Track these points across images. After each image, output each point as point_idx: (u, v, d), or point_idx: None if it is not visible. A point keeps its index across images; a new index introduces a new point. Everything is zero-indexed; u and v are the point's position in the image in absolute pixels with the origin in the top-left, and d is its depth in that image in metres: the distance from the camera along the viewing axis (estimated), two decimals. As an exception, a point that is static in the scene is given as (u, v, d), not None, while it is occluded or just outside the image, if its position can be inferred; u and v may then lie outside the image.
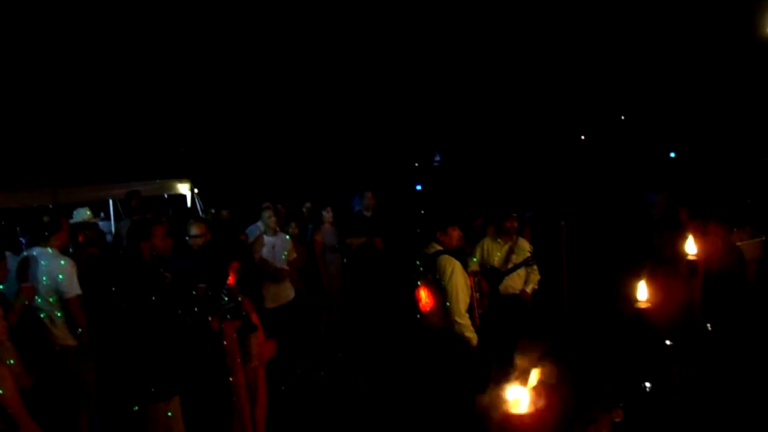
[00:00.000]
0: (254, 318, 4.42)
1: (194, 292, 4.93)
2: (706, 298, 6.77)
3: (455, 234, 4.91)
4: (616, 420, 3.86)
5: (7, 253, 4.63)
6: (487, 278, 5.88)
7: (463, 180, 19.71)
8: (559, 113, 23.95)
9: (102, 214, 11.75)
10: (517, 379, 2.38)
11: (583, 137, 26.37)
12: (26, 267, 4.62)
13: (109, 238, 8.95)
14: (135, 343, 3.53)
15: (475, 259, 6.47)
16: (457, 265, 4.73)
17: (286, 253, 6.64)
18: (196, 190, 12.37)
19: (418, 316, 4.92)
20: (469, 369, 4.59)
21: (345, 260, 8.00)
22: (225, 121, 21.78)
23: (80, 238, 5.95)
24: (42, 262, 4.62)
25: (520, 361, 3.93)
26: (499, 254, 6.43)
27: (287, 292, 6.46)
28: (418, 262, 4.89)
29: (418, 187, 19.46)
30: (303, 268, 7.29)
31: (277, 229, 6.79)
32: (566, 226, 7.16)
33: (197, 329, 4.81)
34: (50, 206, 9.20)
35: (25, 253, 4.79)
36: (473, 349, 4.66)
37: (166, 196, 12.51)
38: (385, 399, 5.88)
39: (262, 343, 4.44)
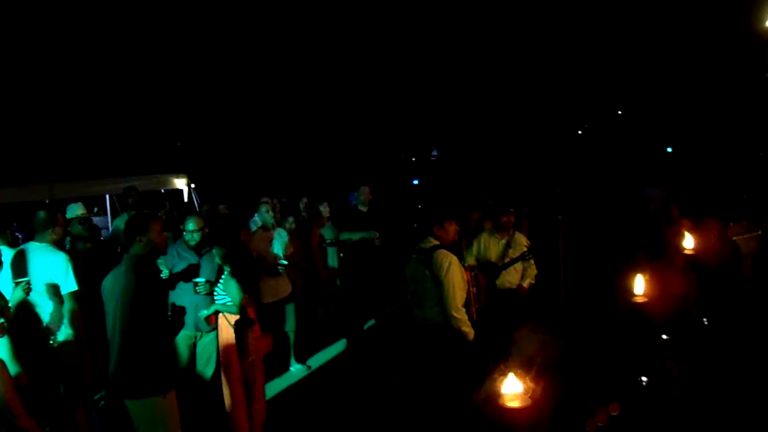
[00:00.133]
0: (251, 313, 4.42)
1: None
2: (702, 293, 6.80)
3: (452, 228, 4.90)
4: (613, 413, 3.88)
5: (3, 248, 4.62)
6: (484, 273, 5.88)
7: (460, 175, 19.72)
8: (556, 108, 23.96)
9: (96, 209, 11.71)
10: (513, 372, 2.38)
11: (580, 132, 26.39)
12: (22, 262, 4.61)
13: (105, 233, 8.94)
14: (132, 337, 3.52)
15: (472, 254, 6.48)
16: (454, 259, 4.73)
17: (283, 247, 6.63)
18: (192, 185, 12.36)
19: (414, 310, 4.93)
20: (466, 363, 4.59)
21: (342, 255, 8.01)
22: (222, 116, 21.74)
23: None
24: (38, 258, 4.60)
25: (516, 355, 3.94)
26: (496, 249, 6.43)
27: (285, 286, 6.46)
28: (414, 257, 4.89)
29: (415, 182, 19.48)
30: (300, 262, 7.29)
31: (275, 223, 6.79)
32: (563, 221, 7.18)
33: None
34: (46, 201, 9.19)
35: (21, 248, 4.77)
36: (470, 344, 4.66)
37: (162, 191, 12.50)
38: (383, 393, 5.89)
39: (259, 337, 4.44)
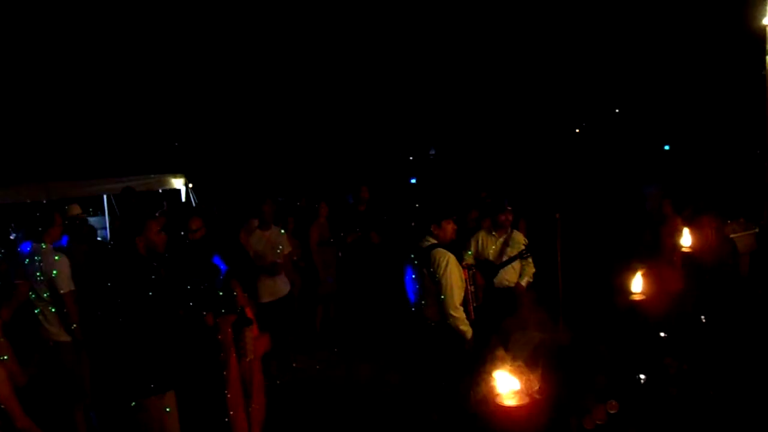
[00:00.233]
0: (249, 312, 4.41)
1: (189, 287, 4.93)
2: (700, 290, 6.81)
3: (450, 227, 4.91)
4: (611, 411, 3.89)
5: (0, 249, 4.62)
6: (482, 271, 5.88)
7: (457, 173, 19.72)
8: (554, 107, 23.97)
9: (91, 210, 11.68)
10: (510, 370, 2.38)
11: (577, 130, 26.42)
12: (20, 263, 4.60)
13: (104, 233, 8.93)
14: (130, 338, 3.51)
15: (470, 253, 6.47)
16: (452, 258, 4.73)
17: (281, 247, 6.63)
18: (190, 185, 12.33)
19: (413, 309, 4.93)
20: (464, 362, 4.60)
21: (340, 254, 8.01)
22: (219, 116, 21.72)
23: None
24: (36, 258, 4.60)
25: (513, 353, 3.95)
26: (493, 247, 6.43)
27: (283, 286, 6.46)
28: (412, 256, 4.89)
29: (413, 181, 19.48)
30: (298, 262, 7.28)
31: (272, 223, 6.78)
32: (561, 219, 7.17)
33: (192, 324, 4.81)
34: (44, 202, 9.17)
35: (18, 249, 4.76)
36: (468, 343, 4.66)
37: (160, 191, 12.47)
38: (381, 392, 5.89)
39: (257, 337, 4.44)
